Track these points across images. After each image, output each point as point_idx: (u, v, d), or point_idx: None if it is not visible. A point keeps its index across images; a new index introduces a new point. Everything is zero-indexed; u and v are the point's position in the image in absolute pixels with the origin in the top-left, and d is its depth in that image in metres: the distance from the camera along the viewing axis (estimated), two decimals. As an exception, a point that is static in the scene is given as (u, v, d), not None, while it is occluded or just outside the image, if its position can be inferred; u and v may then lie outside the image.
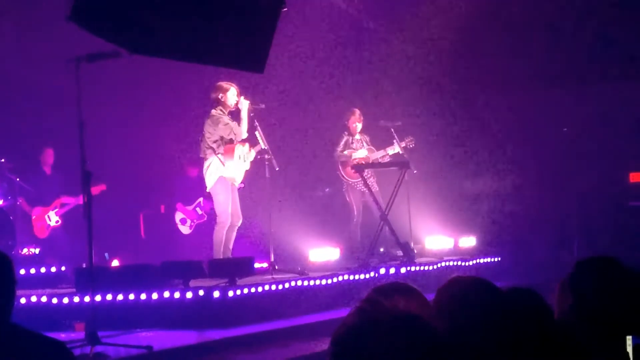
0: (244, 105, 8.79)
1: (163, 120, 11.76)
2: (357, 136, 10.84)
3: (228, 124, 8.68)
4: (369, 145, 10.92)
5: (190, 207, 11.73)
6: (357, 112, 10.85)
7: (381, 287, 2.09)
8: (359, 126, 10.81)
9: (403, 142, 10.76)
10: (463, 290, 2.38)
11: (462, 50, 12.71)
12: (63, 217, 10.83)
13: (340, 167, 10.70)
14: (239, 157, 8.70)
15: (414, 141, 10.84)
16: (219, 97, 8.75)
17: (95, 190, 10.52)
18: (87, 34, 5.89)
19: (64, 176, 10.73)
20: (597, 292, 2.85)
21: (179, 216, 11.75)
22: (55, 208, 10.76)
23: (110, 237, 10.57)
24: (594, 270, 2.95)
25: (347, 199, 10.80)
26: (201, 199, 11.58)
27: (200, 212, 11.73)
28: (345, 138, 10.77)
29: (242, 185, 9.73)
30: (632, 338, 2.64)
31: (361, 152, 10.73)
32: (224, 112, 8.76)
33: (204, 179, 8.84)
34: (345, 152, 10.70)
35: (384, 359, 1.61)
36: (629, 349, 2.62)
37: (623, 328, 2.71)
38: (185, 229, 11.71)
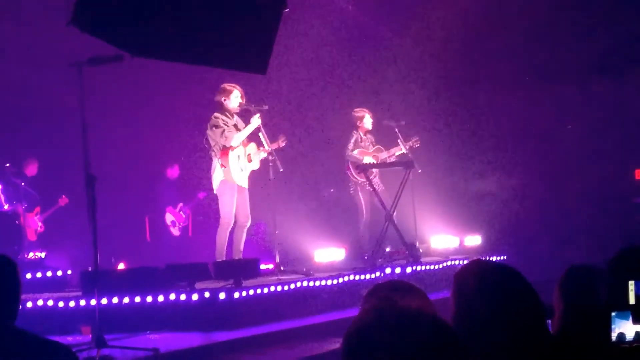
0: (254, 122, 8.66)
1: (168, 122, 11.76)
2: (366, 135, 10.75)
3: (222, 128, 8.51)
4: (374, 145, 10.87)
5: (176, 210, 11.90)
6: (367, 111, 10.76)
7: (385, 285, 2.08)
8: (369, 125, 10.71)
9: (408, 142, 10.70)
10: (482, 272, 2.39)
11: (466, 49, 12.68)
12: (45, 222, 10.89)
13: (350, 166, 10.58)
14: (238, 158, 8.62)
15: (419, 141, 10.78)
16: (222, 100, 8.66)
17: (62, 202, 10.71)
18: (89, 36, 5.89)
19: (41, 181, 10.83)
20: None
21: (169, 218, 11.91)
22: (36, 214, 10.79)
23: (116, 240, 10.58)
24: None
25: (356, 198, 10.70)
26: (181, 203, 11.93)
27: (183, 215, 11.92)
28: (355, 136, 10.64)
29: None
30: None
31: (367, 159, 10.66)
32: (226, 116, 8.62)
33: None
34: (355, 152, 10.60)
35: (399, 357, 1.60)
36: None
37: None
38: (175, 231, 11.93)
